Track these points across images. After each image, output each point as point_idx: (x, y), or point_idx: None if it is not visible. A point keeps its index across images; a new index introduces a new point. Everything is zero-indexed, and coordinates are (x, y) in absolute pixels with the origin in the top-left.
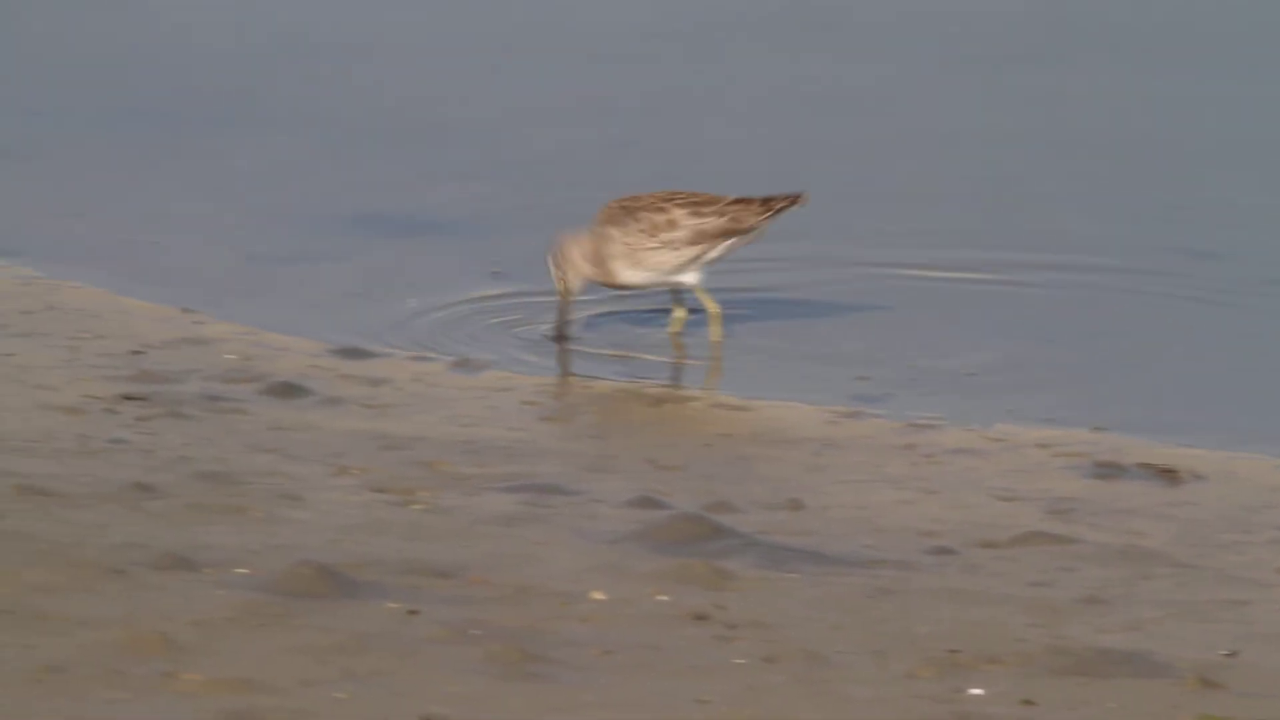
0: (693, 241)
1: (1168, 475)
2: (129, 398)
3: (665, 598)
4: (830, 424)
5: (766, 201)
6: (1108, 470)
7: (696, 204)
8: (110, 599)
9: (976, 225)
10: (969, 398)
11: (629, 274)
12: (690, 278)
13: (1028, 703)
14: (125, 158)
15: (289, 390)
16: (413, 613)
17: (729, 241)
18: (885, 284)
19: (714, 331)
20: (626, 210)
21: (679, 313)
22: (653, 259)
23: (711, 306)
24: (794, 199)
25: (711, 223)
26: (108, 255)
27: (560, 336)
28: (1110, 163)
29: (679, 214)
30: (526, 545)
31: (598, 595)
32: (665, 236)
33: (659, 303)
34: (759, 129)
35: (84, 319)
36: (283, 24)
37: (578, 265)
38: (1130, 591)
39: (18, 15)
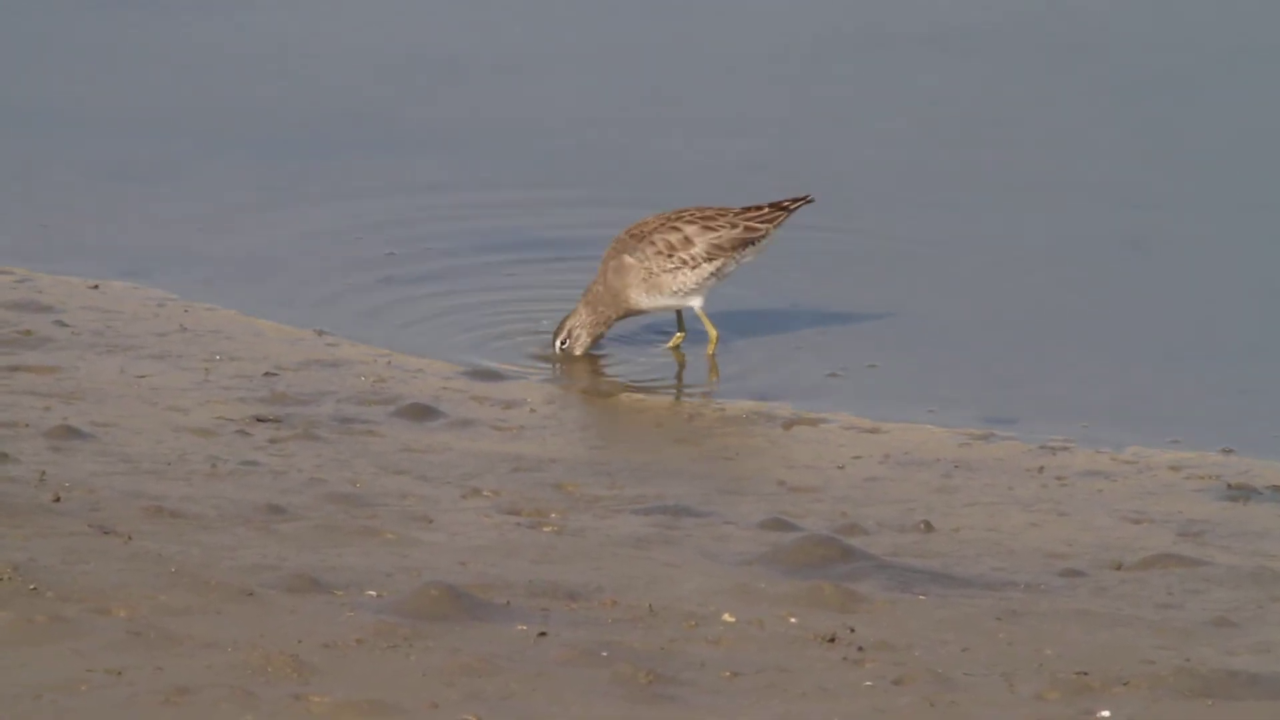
0: (710, 257)
1: None
2: (261, 419)
3: (795, 620)
4: (962, 446)
5: (775, 205)
6: (1239, 493)
7: (706, 218)
8: (240, 621)
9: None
10: (1098, 419)
11: (645, 299)
12: (696, 301)
13: None
14: (260, 179)
15: (421, 412)
16: (542, 634)
17: (745, 251)
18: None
19: (710, 348)
20: (636, 237)
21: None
22: (672, 281)
23: (712, 331)
24: (802, 199)
25: (725, 234)
26: (242, 277)
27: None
28: None
29: (691, 230)
30: (656, 567)
31: (727, 617)
32: (682, 255)
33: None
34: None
35: (217, 340)
36: (419, 45)
37: (584, 336)
38: (1260, 614)
39: (149, 34)
